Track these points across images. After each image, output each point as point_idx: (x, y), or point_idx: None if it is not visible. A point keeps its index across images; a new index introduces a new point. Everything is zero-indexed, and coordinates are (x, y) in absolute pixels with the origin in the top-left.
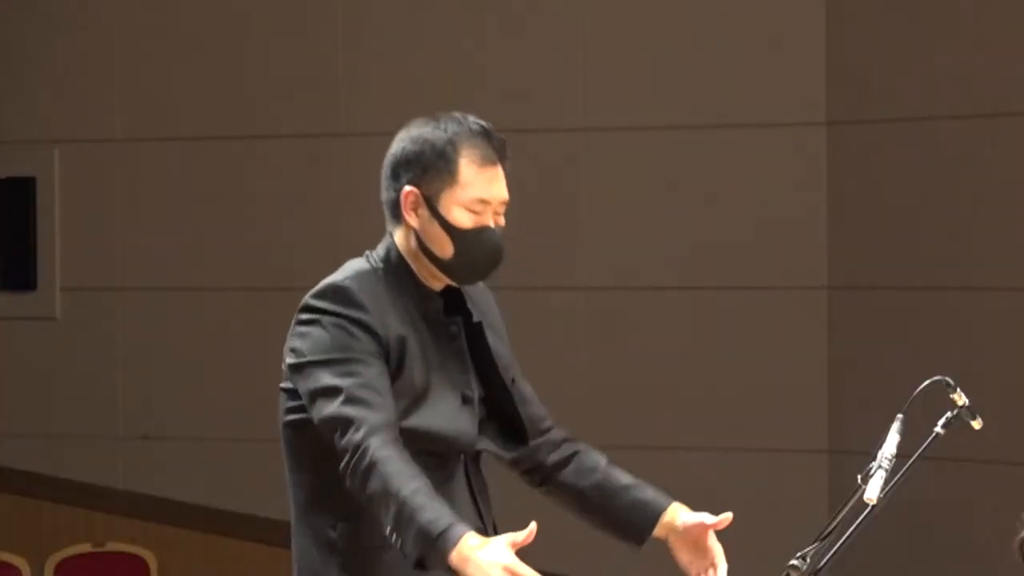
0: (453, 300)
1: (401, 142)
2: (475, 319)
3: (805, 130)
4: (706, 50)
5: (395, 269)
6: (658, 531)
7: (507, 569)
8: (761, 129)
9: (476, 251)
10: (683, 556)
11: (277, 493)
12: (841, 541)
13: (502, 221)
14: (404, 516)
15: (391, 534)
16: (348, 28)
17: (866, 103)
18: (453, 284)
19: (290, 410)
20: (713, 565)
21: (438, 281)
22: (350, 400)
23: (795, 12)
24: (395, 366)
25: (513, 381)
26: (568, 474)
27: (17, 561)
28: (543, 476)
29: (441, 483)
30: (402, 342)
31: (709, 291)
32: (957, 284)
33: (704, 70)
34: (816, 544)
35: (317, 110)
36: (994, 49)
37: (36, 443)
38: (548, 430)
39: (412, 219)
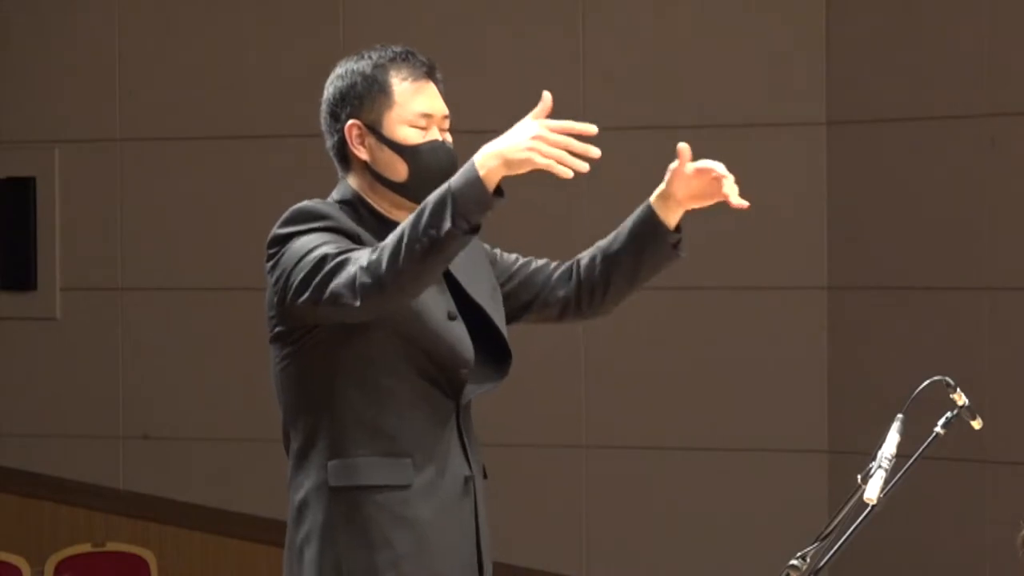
0: None
1: (330, 85)
2: None
3: (805, 130)
4: (706, 50)
5: (355, 208)
6: (662, 213)
7: (537, 126)
8: (761, 129)
9: (431, 165)
10: (685, 190)
11: (277, 493)
12: (841, 541)
13: (449, 137)
14: (413, 224)
15: (423, 240)
16: (348, 28)
17: (866, 103)
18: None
19: (283, 357)
20: (716, 178)
21: (399, 213)
22: (333, 253)
23: (795, 12)
24: None
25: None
26: (584, 275)
27: (17, 561)
28: (575, 296)
29: (433, 427)
30: None
31: (709, 291)
32: (957, 284)
33: (704, 70)
34: (816, 544)
35: (317, 110)
36: (994, 49)
37: (36, 443)
38: (553, 271)
39: (361, 152)
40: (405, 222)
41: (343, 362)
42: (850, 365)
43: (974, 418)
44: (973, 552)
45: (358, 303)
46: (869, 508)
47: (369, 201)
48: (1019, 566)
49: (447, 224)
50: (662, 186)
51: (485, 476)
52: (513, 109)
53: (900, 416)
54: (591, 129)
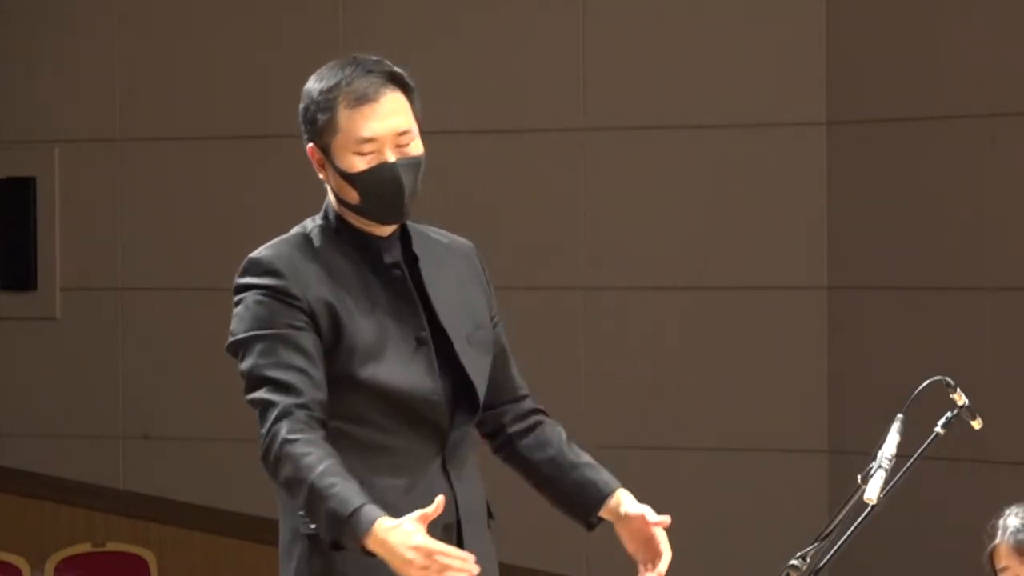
0: (404, 243)
1: (301, 98)
2: (422, 263)
3: (805, 130)
4: (706, 50)
5: (334, 224)
6: (604, 513)
7: (418, 549)
8: (761, 129)
9: (375, 190)
10: (629, 544)
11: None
12: (841, 541)
13: (412, 151)
14: (313, 500)
15: (305, 518)
16: (348, 28)
17: (866, 103)
18: (404, 225)
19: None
20: (657, 555)
21: (379, 227)
22: (268, 382)
23: (795, 12)
24: (328, 325)
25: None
26: (526, 445)
27: (17, 561)
28: (502, 442)
29: (410, 472)
30: (329, 301)
31: (709, 291)
32: (957, 284)
33: (704, 70)
34: (816, 544)
35: None
36: (994, 49)
37: (36, 443)
38: (521, 399)
39: (323, 175)
40: (312, 484)
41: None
42: (850, 365)
43: (974, 418)
44: (973, 552)
45: (267, 471)
46: (869, 508)
47: (345, 217)
48: None
49: (323, 532)
50: (623, 511)
51: (491, 516)
52: (513, 109)
53: (900, 416)
54: (472, 569)
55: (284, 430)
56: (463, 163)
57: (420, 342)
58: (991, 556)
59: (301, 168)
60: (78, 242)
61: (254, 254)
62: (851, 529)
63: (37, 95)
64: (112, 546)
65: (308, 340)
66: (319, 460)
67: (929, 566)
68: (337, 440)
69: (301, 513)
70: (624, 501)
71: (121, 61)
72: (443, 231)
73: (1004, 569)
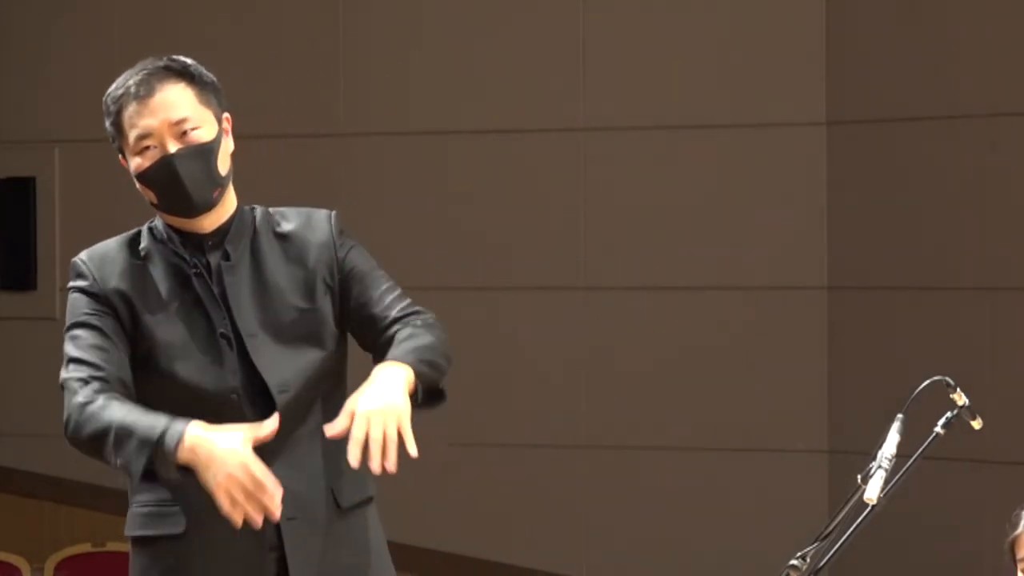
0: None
1: None
2: (231, 261)
3: (805, 130)
4: (706, 50)
5: (159, 227)
6: None
7: (244, 468)
8: (761, 129)
9: (160, 186)
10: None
11: None
12: (841, 541)
13: (197, 137)
14: (122, 436)
15: (117, 462)
16: (348, 28)
17: (866, 103)
18: (232, 218)
19: None
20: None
21: (195, 223)
22: (71, 362)
23: (795, 12)
24: (128, 319)
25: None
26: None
27: (17, 561)
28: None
29: None
30: (128, 299)
31: (709, 291)
32: (957, 284)
33: (704, 70)
34: (816, 544)
35: (317, 110)
36: (994, 49)
37: (36, 443)
38: (387, 327)
39: (132, 177)
40: (117, 424)
41: None
42: (850, 365)
43: (974, 418)
44: (973, 552)
45: (68, 439)
46: (869, 508)
47: (164, 218)
48: (1007, 572)
49: (134, 463)
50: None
51: (339, 506)
52: (513, 109)
53: (900, 416)
54: (276, 508)
55: (82, 398)
56: (463, 163)
57: (223, 337)
58: (1012, 546)
59: (301, 168)
60: (78, 242)
61: (75, 257)
62: (851, 529)
63: (37, 95)
64: (112, 546)
65: (108, 324)
66: (121, 407)
67: (929, 566)
68: None
69: (113, 458)
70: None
71: (121, 61)
72: (298, 210)
73: None
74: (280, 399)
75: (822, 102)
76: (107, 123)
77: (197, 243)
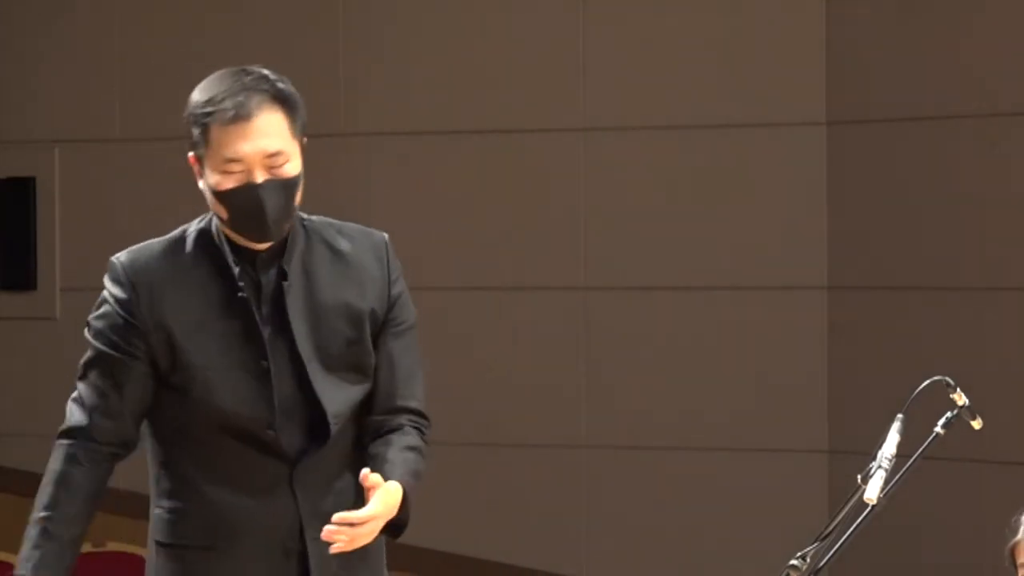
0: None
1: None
2: (289, 283)
3: (805, 130)
4: (706, 49)
5: (213, 233)
6: None
7: None
8: (761, 129)
9: (239, 210)
10: None
11: None
12: (841, 541)
13: (285, 172)
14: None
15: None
16: (348, 28)
17: (866, 103)
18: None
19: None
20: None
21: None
22: (79, 396)
23: (795, 12)
24: (164, 346)
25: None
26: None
27: (17, 561)
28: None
29: (254, 490)
30: (169, 322)
31: (709, 291)
32: (957, 284)
33: (704, 70)
34: (816, 544)
35: (317, 110)
36: (995, 49)
37: (36, 443)
38: (396, 412)
39: (201, 184)
40: (33, 519)
41: (160, 424)
42: (850, 365)
43: (974, 418)
44: (973, 552)
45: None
46: (869, 508)
47: (224, 230)
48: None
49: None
50: None
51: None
52: (513, 109)
53: (900, 416)
54: None
55: (57, 453)
56: (463, 163)
57: (263, 368)
58: (1012, 551)
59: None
60: (78, 242)
61: (115, 257)
62: (851, 529)
63: (37, 95)
64: (112, 546)
65: (127, 368)
66: (48, 502)
67: (929, 566)
68: (183, 453)
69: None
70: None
71: (121, 61)
72: (353, 227)
73: None
74: (333, 428)
75: (822, 102)
76: (193, 129)
77: (251, 257)
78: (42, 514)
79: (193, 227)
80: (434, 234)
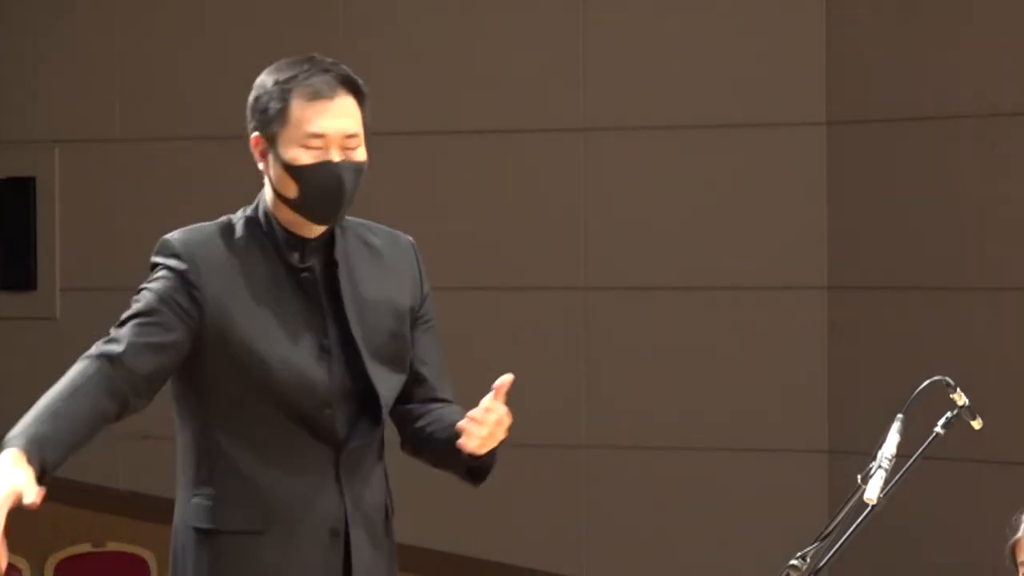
0: (328, 247)
1: (252, 92)
2: (340, 270)
3: (805, 130)
4: (706, 50)
5: (260, 219)
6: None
7: None
8: (761, 129)
9: (315, 187)
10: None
11: None
12: (841, 541)
13: (356, 156)
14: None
15: None
16: (348, 28)
17: (866, 103)
18: (327, 228)
19: (175, 391)
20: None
21: (308, 226)
22: (103, 340)
23: (795, 12)
24: (217, 320)
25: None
26: (419, 427)
27: (17, 561)
28: (406, 436)
29: (302, 474)
30: (226, 296)
31: (709, 291)
32: (957, 284)
33: (704, 70)
34: (816, 544)
35: None
36: (994, 49)
37: None
38: (433, 401)
39: (263, 166)
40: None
41: (212, 404)
42: (850, 365)
43: (974, 418)
44: (973, 552)
45: None
46: (869, 508)
47: (274, 213)
48: (1006, 575)
49: None
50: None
51: (387, 519)
52: (513, 109)
53: (900, 416)
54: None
55: (76, 366)
56: (463, 163)
57: (323, 350)
58: (1012, 550)
59: None
60: (78, 242)
61: (168, 236)
62: (851, 529)
63: (37, 95)
64: (112, 546)
65: (169, 329)
66: (55, 393)
67: (929, 566)
68: (234, 435)
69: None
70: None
71: (121, 61)
72: (382, 227)
73: None
74: (384, 414)
75: (822, 102)
76: (271, 104)
77: (299, 245)
78: (52, 394)
79: (239, 215)
80: (434, 234)
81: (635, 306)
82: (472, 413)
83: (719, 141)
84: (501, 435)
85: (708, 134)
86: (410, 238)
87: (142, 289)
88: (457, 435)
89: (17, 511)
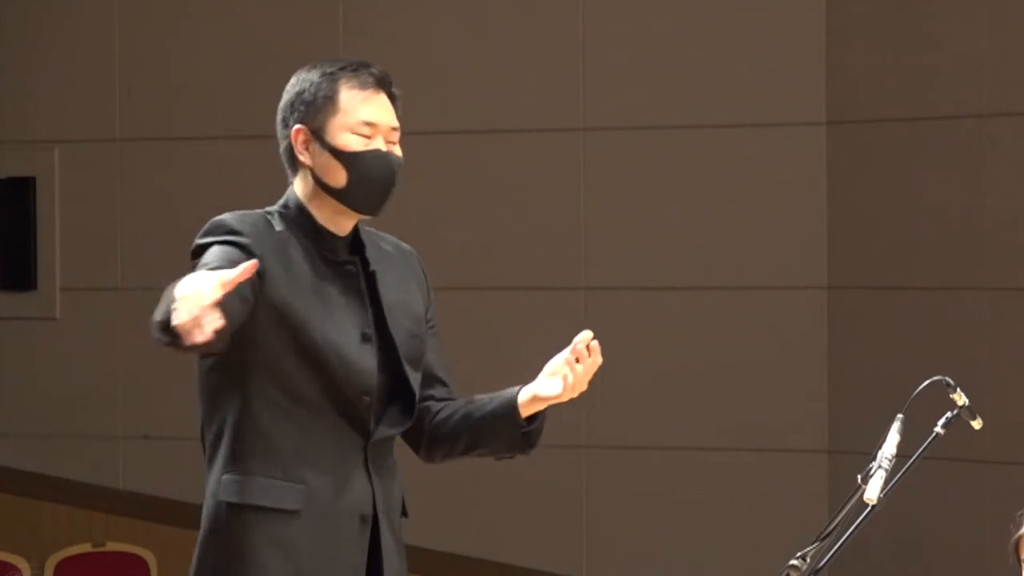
0: (356, 246)
1: (286, 92)
2: (371, 267)
3: (805, 130)
4: (706, 50)
5: (294, 216)
6: (524, 407)
7: (206, 284)
8: (761, 129)
9: (368, 174)
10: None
11: None
12: (841, 541)
13: (398, 151)
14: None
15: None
16: (349, 28)
17: (866, 103)
18: (357, 228)
19: (208, 366)
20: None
21: (341, 223)
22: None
23: (795, 12)
24: (275, 294)
25: (415, 337)
26: (438, 423)
27: (17, 561)
28: (422, 440)
29: (336, 459)
30: (280, 274)
31: (709, 291)
32: (957, 284)
33: (704, 70)
34: (816, 544)
35: None
36: (993, 49)
37: (36, 443)
38: (444, 400)
39: (305, 157)
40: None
41: (255, 382)
42: (850, 365)
43: (974, 418)
44: (973, 552)
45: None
46: (869, 508)
47: (309, 209)
48: (1008, 573)
49: (159, 323)
50: (537, 383)
51: (405, 515)
52: (513, 109)
53: (900, 416)
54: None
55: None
56: (463, 163)
57: (364, 338)
58: (1016, 546)
59: None
60: (78, 242)
61: (217, 217)
62: (851, 529)
63: (37, 95)
64: (112, 546)
65: (247, 290)
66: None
67: (929, 566)
68: (275, 415)
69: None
70: (529, 386)
71: (121, 61)
72: (388, 236)
73: None
74: (417, 406)
75: (822, 102)
76: (319, 94)
77: (333, 240)
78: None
79: (276, 209)
80: (434, 234)
81: (635, 306)
82: (564, 356)
83: (719, 141)
84: (584, 386)
85: (708, 134)
86: (411, 248)
87: (203, 259)
88: (509, 406)
89: (18, 511)
